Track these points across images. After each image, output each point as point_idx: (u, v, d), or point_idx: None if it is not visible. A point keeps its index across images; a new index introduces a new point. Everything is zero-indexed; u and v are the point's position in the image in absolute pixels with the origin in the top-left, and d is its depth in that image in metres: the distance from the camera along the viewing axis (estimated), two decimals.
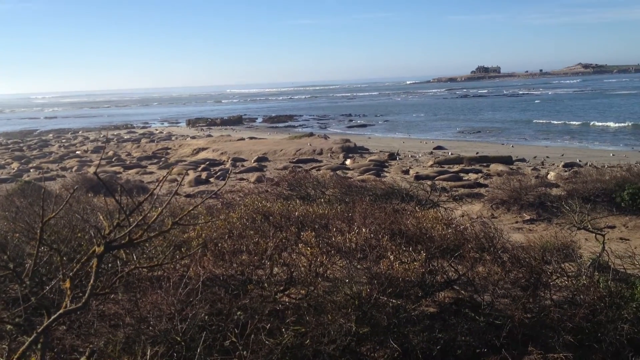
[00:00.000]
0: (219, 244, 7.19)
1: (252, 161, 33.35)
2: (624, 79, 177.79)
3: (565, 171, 25.78)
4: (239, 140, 44.85)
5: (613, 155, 33.62)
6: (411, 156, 34.83)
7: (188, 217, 8.59)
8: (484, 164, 29.45)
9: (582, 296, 6.30)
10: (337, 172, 26.26)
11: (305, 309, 6.28)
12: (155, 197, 6.31)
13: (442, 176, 25.14)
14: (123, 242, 4.08)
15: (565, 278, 6.86)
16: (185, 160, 34.97)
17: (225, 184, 15.60)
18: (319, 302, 6.24)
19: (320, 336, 5.77)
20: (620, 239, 14.53)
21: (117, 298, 6.46)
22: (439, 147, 39.41)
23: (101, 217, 4.73)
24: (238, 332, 5.48)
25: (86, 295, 3.87)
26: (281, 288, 6.76)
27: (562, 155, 33.90)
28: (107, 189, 4.14)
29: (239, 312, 5.84)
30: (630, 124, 51.87)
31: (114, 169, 31.81)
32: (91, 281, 3.85)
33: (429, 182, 21.43)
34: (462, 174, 26.40)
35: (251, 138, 47.28)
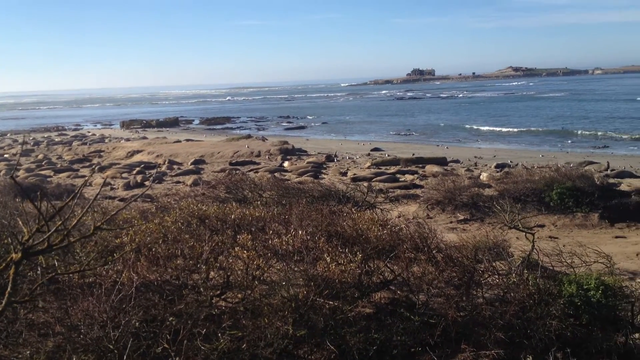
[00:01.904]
0: (153, 249, 7.04)
1: (189, 164, 32.89)
2: (554, 82, 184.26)
3: (497, 172, 26.49)
4: (175, 142, 44.16)
5: (542, 156, 34.81)
6: (349, 158, 35.10)
7: (115, 221, 8.39)
8: (420, 165, 29.96)
9: (512, 294, 6.47)
10: (275, 174, 26.22)
11: (242, 313, 6.23)
12: (90, 201, 6.12)
13: (379, 177, 25.43)
14: (41, 248, 3.93)
15: (496, 276, 7.04)
16: (119, 164, 34.15)
17: (145, 191, 15.33)
18: (256, 305, 6.20)
19: (257, 340, 5.73)
20: (550, 237, 15.04)
21: (47, 306, 6.25)
22: (376, 149, 39.85)
23: (20, 222, 4.55)
24: (171, 338, 5.38)
25: (3, 304, 3.72)
26: (217, 292, 6.67)
27: (494, 156, 34.85)
28: (24, 193, 3.98)
29: (171, 318, 5.73)
30: (560, 128, 53.79)
31: (44, 172, 30.76)
32: (8, 289, 3.69)
33: (366, 184, 21.63)
34: (398, 175, 26.77)
35: (188, 140, 46.63)
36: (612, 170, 26.91)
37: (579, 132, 49.18)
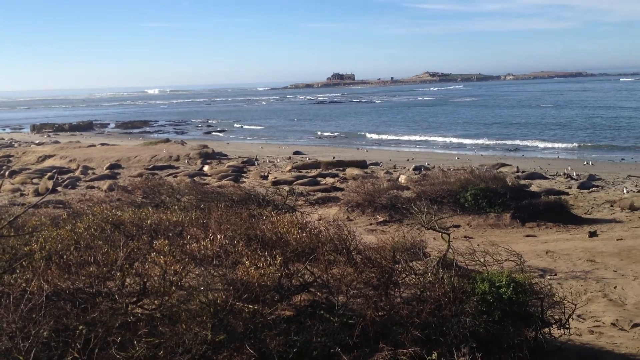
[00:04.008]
0: (65, 256, 6.77)
1: (104, 168, 31.94)
2: (467, 87, 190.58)
3: (415, 174, 27.15)
4: (89, 146, 42.79)
5: (458, 158, 35.91)
6: (270, 161, 35.07)
7: (23, 228, 8.03)
8: (341, 168, 30.27)
9: (428, 293, 6.62)
10: (195, 178, 25.86)
11: (159, 320, 6.08)
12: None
13: (300, 181, 25.52)
14: None
15: (413, 276, 7.18)
16: (29, 169, 32.69)
17: (45, 195, 14.83)
18: (174, 311, 6.07)
19: (175, 346, 5.61)
20: (465, 237, 15.52)
21: None
22: (297, 152, 40.00)
23: None
24: (80, 348, 5.20)
25: None
26: (134, 299, 6.49)
27: (413, 159, 35.70)
28: None
29: (81, 327, 5.53)
30: (474, 132, 55.68)
31: None
32: None
33: (287, 187, 21.66)
34: (319, 178, 26.95)
35: (103, 144, 45.27)
36: (522, 172, 28.08)
37: (492, 135, 51.06)
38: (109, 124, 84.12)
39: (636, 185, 24.10)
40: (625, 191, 22.22)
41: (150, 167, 32.62)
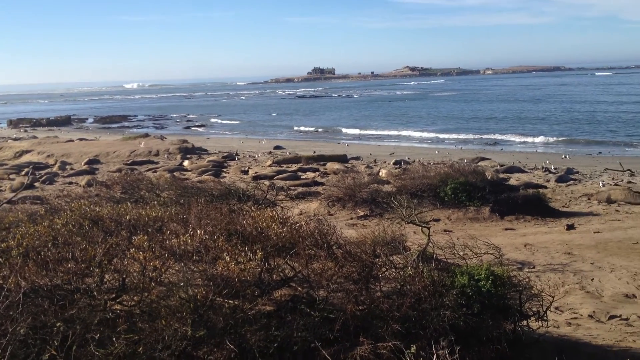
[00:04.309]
0: (42, 252, 6.69)
1: (83, 164, 31.62)
2: (447, 82, 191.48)
3: (396, 168, 27.23)
4: (67, 141, 42.32)
5: (438, 152, 36.11)
6: (250, 156, 34.98)
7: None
8: (321, 163, 30.27)
9: (408, 286, 6.66)
10: (175, 173, 25.69)
11: (139, 316, 6.04)
12: None
13: (280, 175, 25.49)
14: None
15: (394, 270, 7.21)
16: (6, 164, 32.26)
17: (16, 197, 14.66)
18: (153, 307, 6.04)
19: (155, 342, 5.58)
20: (445, 230, 15.64)
21: None
22: (277, 147, 39.94)
23: None
24: (58, 345, 5.16)
25: None
26: (113, 296, 6.44)
27: (393, 153, 35.79)
28: None
29: (58, 324, 5.48)
30: (453, 126, 56.01)
31: None
32: None
33: (267, 182, 21.62)
34: (300, 173, 26.94)
35: (81, 139, 44.80)
36: (501, 165, 28.31)
37: (471, 130, 51.41)
38: (87, 118, 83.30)
39: (613, 179, 24.43)
40: (601, 184, 22.50)
41: (129, 162, 32.35)
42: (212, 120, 75.97)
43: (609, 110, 62.38)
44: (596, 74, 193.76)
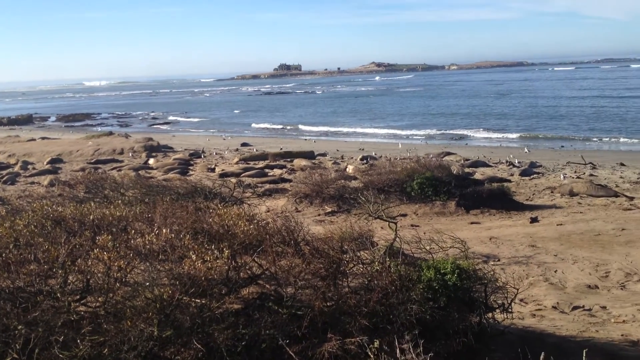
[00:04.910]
0: (3, 254, 6.55)
1: (45, 163, 31.04)
2: (413, 77, 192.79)
3: (363, 164, 27.32)
4: (29, 140, 41.53)
5: (404, 147, 36.33)
6: (217, 154, 34.75)
7: None
8: (288, 160, 30.24)
9: (376, 281, 6.68)
10: (140, 172, 25.38)
11: (104, 317, 5.95)
12: None
13: (247, 173, 25.37)
14: None
15: (361, 265, 7.23)
16: None
17: None
18: (118, 308, 5.95)
19: (120, 344, 5.50)
20: (412, 225, 15.73)
21: None
22: (244, 144, 39.76)
23: None
24: (20, 348, 5.06)
25: None
26: (77, 297, 6.33)
27: (361, 149, 35.94)
28: None
29: (20, 327, 5.38)
30: (419, 121, 56.48)
31: None
32: None
33: (234, 179, 21.50)
34: (267, 170, 26.85)
35: (43, 138, 43.99)
36: (466, 160, 28.63)
37: (437, 125, 51.89)
38: (49, 117, 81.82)
39: (575, 172, 24.91)
40: (563, 177, 22.91)
41: (93, 161, 31.88)
42: (178, 118, 75.30)
43: (571, 104, 63.56)
44: (558, 69, 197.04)
